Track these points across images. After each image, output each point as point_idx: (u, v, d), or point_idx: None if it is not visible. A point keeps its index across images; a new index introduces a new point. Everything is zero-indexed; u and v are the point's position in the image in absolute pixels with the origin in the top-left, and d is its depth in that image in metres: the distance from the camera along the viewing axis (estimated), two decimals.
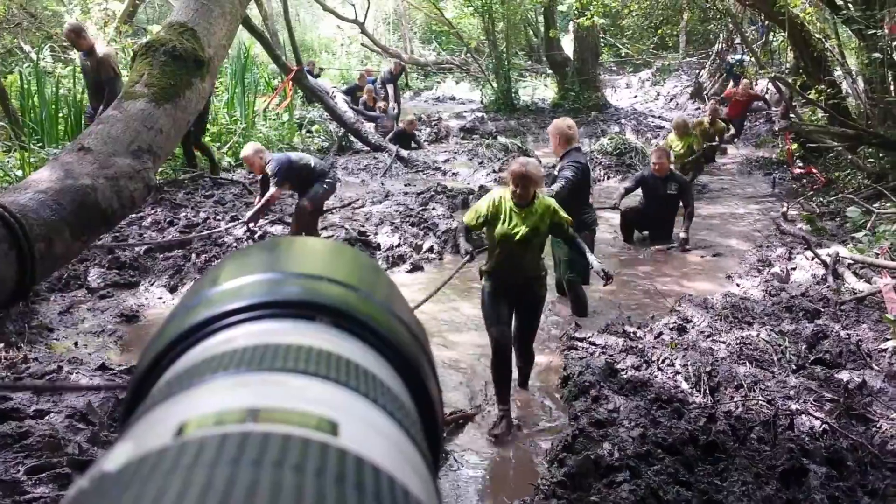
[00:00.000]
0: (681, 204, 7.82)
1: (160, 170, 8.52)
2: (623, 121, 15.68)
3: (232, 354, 0.36)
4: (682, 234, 7.65)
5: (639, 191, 7.96)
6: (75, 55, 12.05)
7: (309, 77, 12.91)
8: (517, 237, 4.17)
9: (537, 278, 4.37)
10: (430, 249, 7.47)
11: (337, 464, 0.27)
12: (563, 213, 4.27)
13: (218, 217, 7.84)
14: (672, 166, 9.97)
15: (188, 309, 0.42)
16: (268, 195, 7.03)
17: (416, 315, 0.48)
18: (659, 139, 14.20)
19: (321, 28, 25.00)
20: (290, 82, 12.19)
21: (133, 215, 7.23)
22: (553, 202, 4.28)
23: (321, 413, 0.30)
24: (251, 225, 7.28)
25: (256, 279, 0.43)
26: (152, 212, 7.88)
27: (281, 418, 0.29)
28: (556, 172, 5.80)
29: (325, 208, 7.99)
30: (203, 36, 4.83)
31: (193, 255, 6.86)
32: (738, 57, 15.89)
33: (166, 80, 4.48)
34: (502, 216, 4.23)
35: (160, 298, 6.10)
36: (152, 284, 6.26)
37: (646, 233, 8.18)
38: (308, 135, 12.96)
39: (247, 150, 7.05)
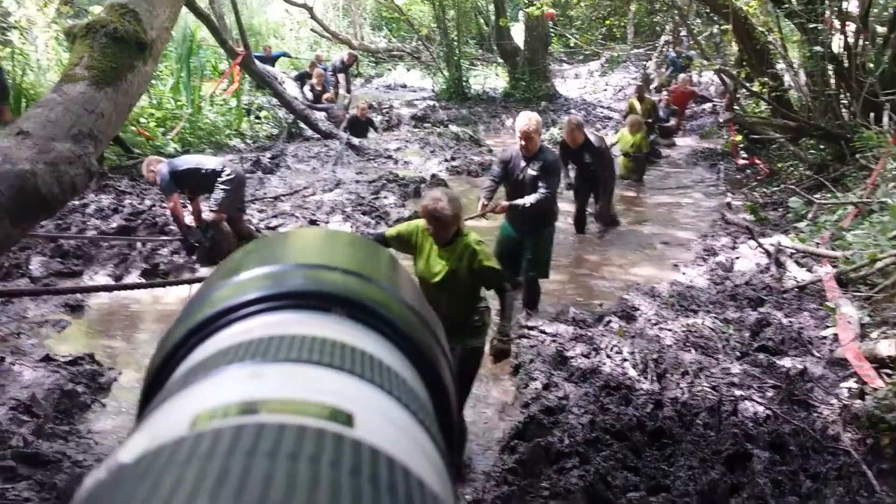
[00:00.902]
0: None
1: (104, 156, 8.31)
2: (573, 111, 15.77)
3: (248, 345, 0.35)
4: (596, 209, 7.73)
5: None
6: (13, 35, 11.68)
7: (258, 62, 12.71)
8: (434, 278, 3.59)
9: (466, 328, 3.63)
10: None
11: (352, 455, 0.27)
12: (489, 262, 3.54)
13: (164, 204, 7.67)
14: (623, 158, 10.16)
15: (204, 300, 0.42)
16: (169, 209, 6.61)
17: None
18: (608, 129, 14.38)
19: (269, 12, 24.61)
20: (238, 67, 11.99)
21: (76, 202, 7.05)
22: (480, 247, 3.56)
23: (336, 404, 0.30)
24: (190, 237, 6.73)
25: (272, 270, 0.43)
26: (96, 199, 7.69)
27: (296, 409, 0.29)
28: (534, 171, 5.31)
29: (244, 205, 7.14)
30: (145, 18, 4.71)
31: (139, 244, 6.72)
32: (671, 54, 16.21)
33: (107, 62, 4.36)
34: (424, 251, 3.67)
35: None
36: (96, 273, 6.12)
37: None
38: (256, 121, 12.77)
39: (143, 167, 6.60)
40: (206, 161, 6.75)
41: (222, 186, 6.42)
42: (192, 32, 12.68)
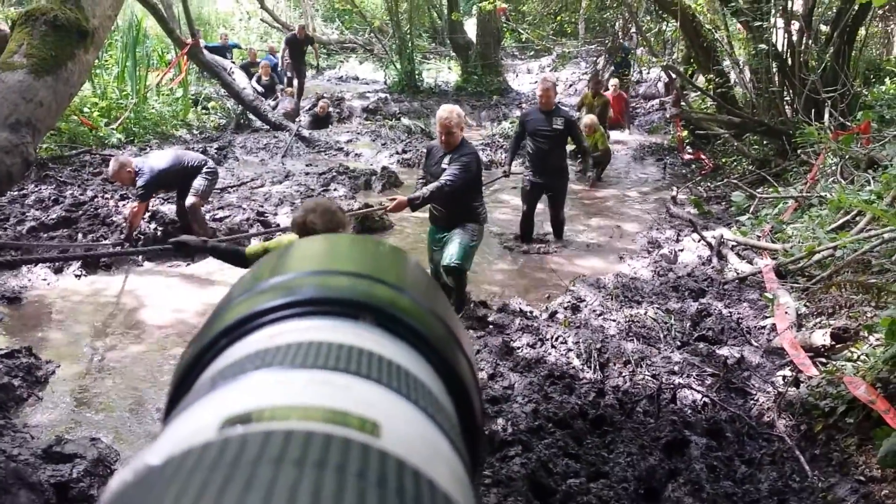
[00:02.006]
0: (571, 143, 7.27)
1: (45, 145, 8.11)
2: (524, 105, 15.86)
3: (276, 351, 0.35)
4: (589, 173, 7.48)
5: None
6: None
7: (208, 52, 12.49)
8: None
9: None
10: None
11: (378, 466, 0.27)
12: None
13: (106, 195, 7.52)
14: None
15: (233, 303, 0.42)
16: (131, 212, 6.43)
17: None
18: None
19: (218, 2, 24.22)
20: (185, 57, 11.78)
21: (15, 192, 6.87)
22: None
23: (364, 413, 0.30)
24: (131, 239, 6.54)
25: (302, 276, 0.43)
26: (36, 189, 7.50)
27: (324, 417, 0.29)
28: (444, 165, 5.04)
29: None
30: (87, 6, 4.61)
31: (80, 235, 6.58)
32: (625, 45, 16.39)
33: (47, 50, 4.26)
34: None
35: (44, 280, 5.83)
36: (35, 266, 5.96)
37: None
38: (204, 112, 12.57)
39: (112, 166, 6.25)
40: (186, 158, 6.74)
41: (206, 172, 6.70)
42: (138, 21, 12.41)
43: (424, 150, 5.59)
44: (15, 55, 4.25)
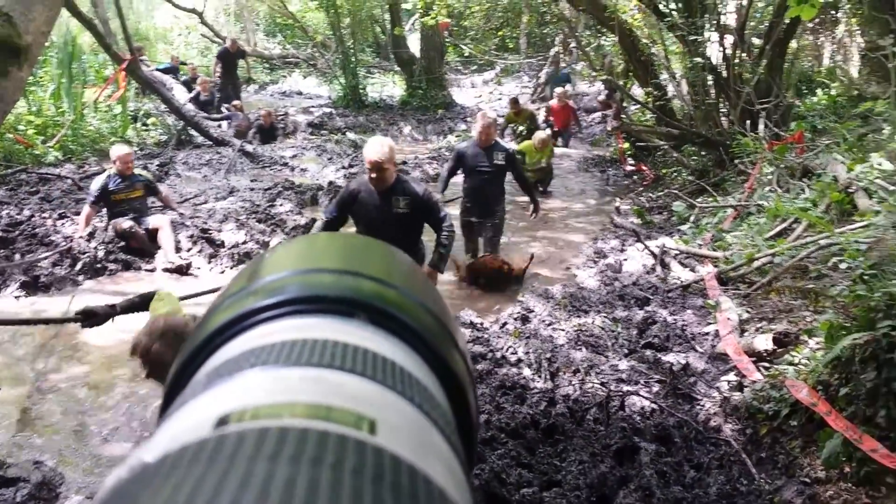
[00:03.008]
0: (511, 178, 6.67)
1: None
2: (469, 119, 15.98)
3: (271, 348, 0.35)
4: (532, 205, 6.68)
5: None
6: None
7: (156, 71, 12.30)
8: None
9: None
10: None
11: (374, 463, 0.27)
12: None
13: (44, 215, 7.32)
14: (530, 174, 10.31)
15: (228, 302, 0.42)
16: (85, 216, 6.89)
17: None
18: (506, 138, 14.63)
19: (157, 17, 23.84)
20: (123, 72, 11.55)
21: None
22: None
23: (359, 410, 0.30)
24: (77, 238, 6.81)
25: (296, 274, 0.42)
26: None
27: (319, 414, 0.29)
28: (403, 209, 4.42)
29: None
30: (20, 21, 4.48)
31: (17, 255, 6.38)
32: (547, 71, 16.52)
33: None
34: None
35: None
36: None
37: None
38: (144, 128, 12.33)
39: (120, 154, 6.97)
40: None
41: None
42: (73, 37, 12.14)
43: (341, 194, 4.71)
44: None
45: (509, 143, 8.08)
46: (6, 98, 4.41)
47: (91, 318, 3.66)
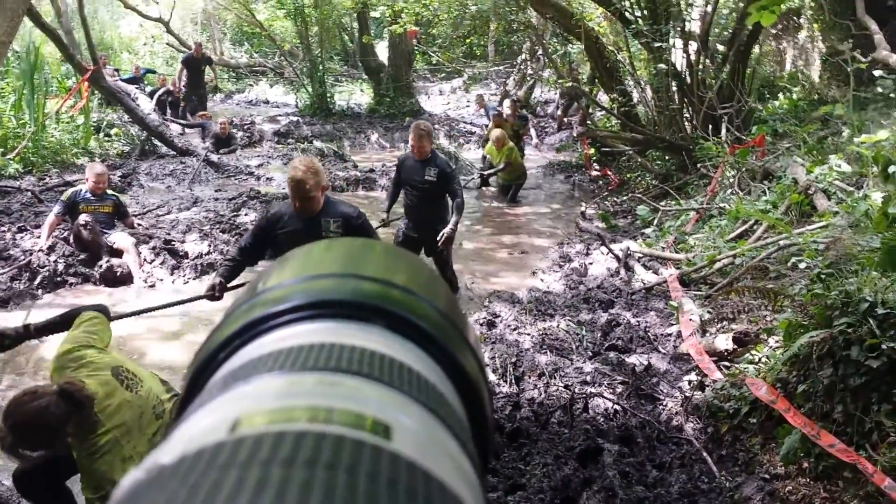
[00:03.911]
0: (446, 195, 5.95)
1: None
2: (437, 126, 16.00)
3: (288, 353, 0.35)
4: (447, 229, 5.80)
5: None
6: None
7: (122, 82, 12.15)
8: None
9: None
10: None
11: (390, 468, 0.27)
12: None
13: (2, 228, 7.19)
14: (482, 175, 10.30)
15: (245, 305, 0.41)
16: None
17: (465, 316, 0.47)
18: (470, 144, 14.68)
19: (122, 26, 23.59)
20: (87, 83, 11.41)
21: None
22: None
23: (375, 415, 0.30)
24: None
25: (312, 279, 0.42)
26: None
27: (336, 419, 0.29)
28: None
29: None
30: None
31: None
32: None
33: None
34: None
35: None
36: None
37: None
38: (106, 139, 12.18)
39: (96, 172, 6.92)
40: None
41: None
42: (36, 47, 11.97)
43: (259, 222, 4.40)
44: None
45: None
46: None
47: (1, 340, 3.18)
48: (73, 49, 11.46)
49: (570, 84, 11.74)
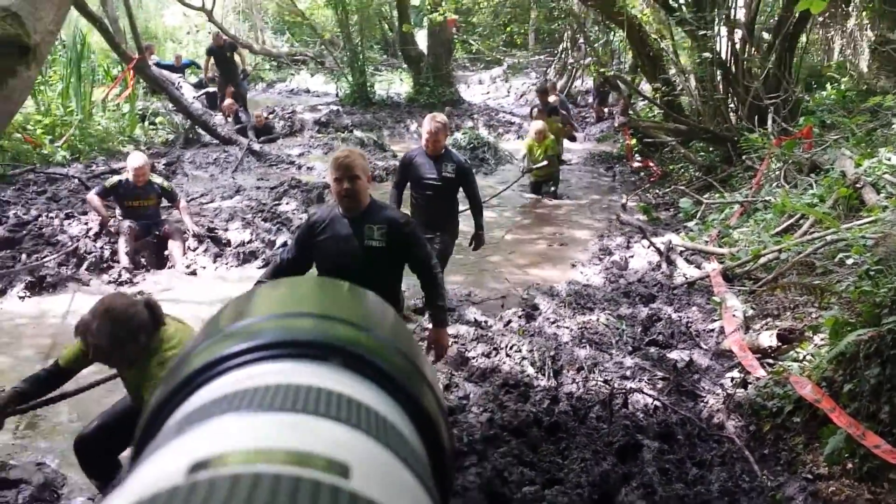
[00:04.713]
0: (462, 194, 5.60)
1: None
2: (476, 116, 15.98)
3: (243, 394, 0.35)
4: (476, 234, 5.72)
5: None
6: None
7: (160, 68, 12.31)
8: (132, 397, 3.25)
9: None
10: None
11: None
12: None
13: (51, 215, 7.35)
14: (529, 170, 10.03)
15: (199, 349, 0.41)
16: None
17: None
18: (510, 134, 14.61)
19: (166, 16, 23.90)
20: (132, 72, 11.60)
21: None
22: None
23: (332, 455, 0.30)
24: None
25: (269, 319, 0.42)
26: None
27: (292, 460, 0.29)
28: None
29: None
30: (28, 21, 4.51)
31: (24, 256, 6.42)
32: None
33: None
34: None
35: None
36: None
37: None
38: (151, 127, 12.38)
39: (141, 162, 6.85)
40: None
41: None
42: (83, 36, 12.19)
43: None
44: None
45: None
46: (14, 98, 4.44)
47: None
48: (119, 38, 11.65)
49: (612, 73, 11.59)
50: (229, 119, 13.12)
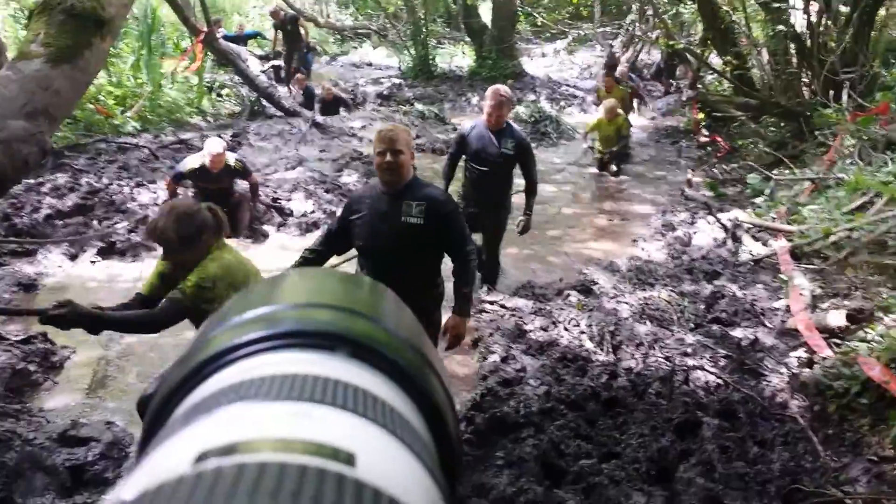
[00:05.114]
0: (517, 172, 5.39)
1: (60, 134, 8.17)
2: (539, 89, 15.79)
3: (250, 384, 0.35)
4: (522, 217, 5.47)
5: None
6: None
7: (224, 40, 12.48)
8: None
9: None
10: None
11: (354, 496, 0.27)
12: (193, 282, 3.01)
13: (122, 183, 7.57)
14: (599, 149, 9.80)
15: (209, 337, 0.42)
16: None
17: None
18: (573, 108, 14.41)
19: None
20: (200, 44, 11.80)
21: (31, 181, 6.92)
22: (216, 272, 3.05)
23: (338, 444, 0.30)
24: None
25: (275, 309, 0.43)
26: (52, 177, 7.55)
27: (298, 448, 0.29)
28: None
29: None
30: None
31: (95, 222, 6.63)
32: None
33: (64, 39, 4.28)
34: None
35: (59, 266, 5.88)
36: (51, 252, 6.02)
37: None
38: (218, 99, 12.61)
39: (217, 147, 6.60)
40: None
41: None
42: (153, 9, 12.44)
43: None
44: (32, 44, 4.28)
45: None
46: (89, 69, 4.57)
47: (58, 320, 3.02)
48: (188, 11, 11.85)
49: (681, 46, 11.29)
50: (293, 90, 13.22)
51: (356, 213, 3.40)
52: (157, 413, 0.39)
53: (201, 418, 0.33)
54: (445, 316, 3.52)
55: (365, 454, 0.30)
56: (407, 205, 3.27)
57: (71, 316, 2.95)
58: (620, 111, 9.75)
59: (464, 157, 5.43)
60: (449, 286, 3.59)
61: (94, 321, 3.01)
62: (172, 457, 0.30)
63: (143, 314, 3.15)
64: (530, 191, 5.38)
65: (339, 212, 3.79)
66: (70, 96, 4.45)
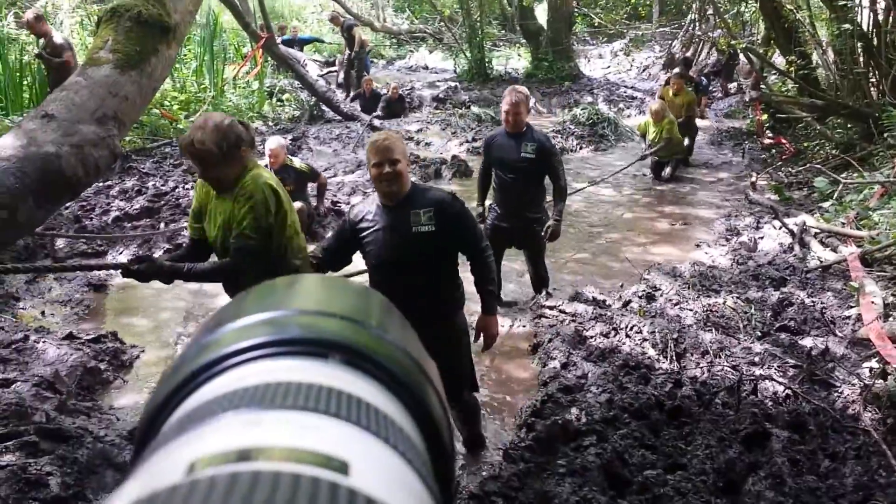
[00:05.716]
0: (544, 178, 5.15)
1: (128, 138, 8.41)
2: (596, 91, 15.67)
3: (244, 392, 0.35)
4: (551, 221, 5.08)
5: None
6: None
7: (282, 45, 12.70)
8: (211, 240, 3.18)
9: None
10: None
11: None
12: (249, 221, 2.97)
13: (187, 186, 7.75)
14: (645, 155, 9.54)
15: (201, 347, 0.42)
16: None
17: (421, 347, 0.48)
18: (631, 109, 14.24)
19: None
20: (261, 50, 12.02)
21: (100, 184, 7.14)
22: (261, 194, 2.99)
23: (332, 452, 0.30)
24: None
25: (269, 317, 0.43)
26: (120, 180, 7.78)
27: (291, 457, 0.29)
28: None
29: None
30: (169, 2, 4.75)
31: (162, 224, 6.80)
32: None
33: (132, 46, 4.41)
34: (209, 208, 3.16)
35: None
36: (120, 253, 6.19)
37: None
38: (278, 103, 12.82)
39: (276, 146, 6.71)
40: None
41: None
42: (215, 16, 12.72)
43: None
44: (101, 51, 4.41)
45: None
46: (156, 75, 4.70)
47: (139, 274, 3.07)
48: (248, 17, 12.07)
49: (743, 45, 11.04)
50: (364, 90, 13.38)
51: (362, 231, 3.27)
52: (151, 420, 0.39)
53: (195, 427, 0.33)
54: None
55: (358, 463, 0.30)
56: (415, 214, 3.15)
57: (149, 269, 3.03)
58: (668, 114, 9.39)
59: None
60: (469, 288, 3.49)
61: (171, 274, 3.09)
62: (165, 466, 0.30)
63: (217, 265, 3.14)
64: (559, 196, 5.07)
65: (332, 230, 3.63)
66: (138, 101, 4.58)
